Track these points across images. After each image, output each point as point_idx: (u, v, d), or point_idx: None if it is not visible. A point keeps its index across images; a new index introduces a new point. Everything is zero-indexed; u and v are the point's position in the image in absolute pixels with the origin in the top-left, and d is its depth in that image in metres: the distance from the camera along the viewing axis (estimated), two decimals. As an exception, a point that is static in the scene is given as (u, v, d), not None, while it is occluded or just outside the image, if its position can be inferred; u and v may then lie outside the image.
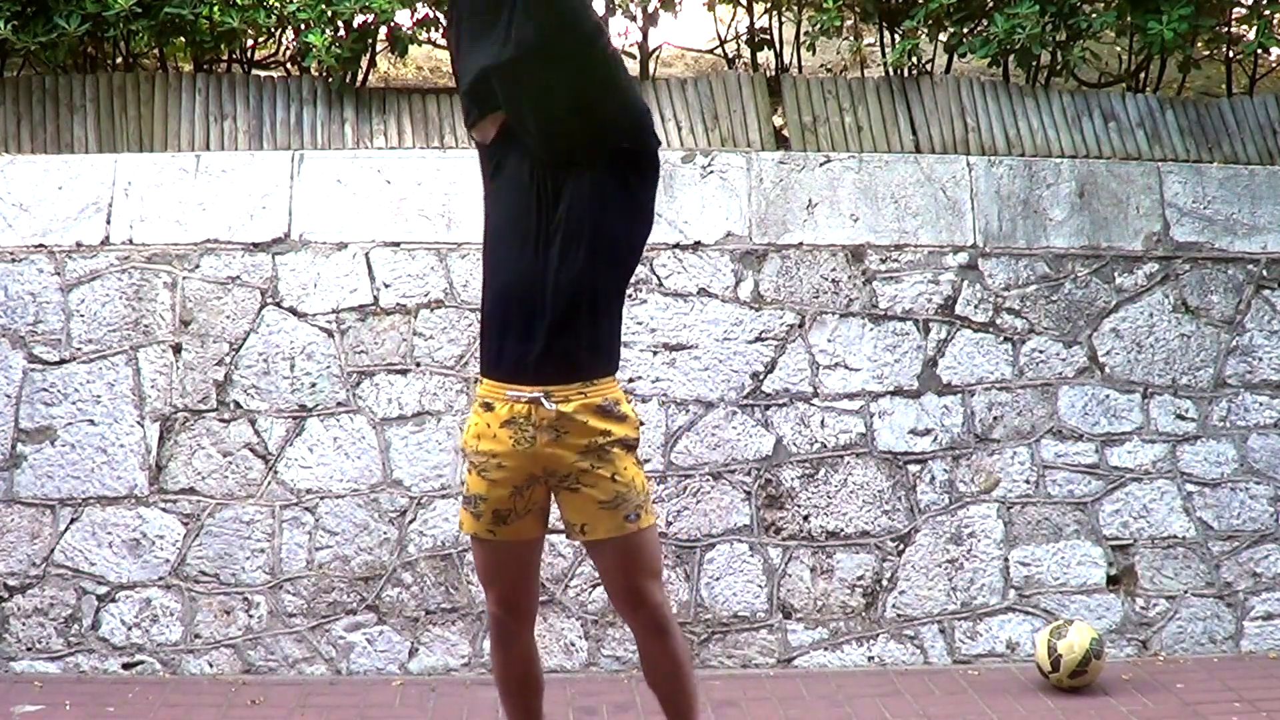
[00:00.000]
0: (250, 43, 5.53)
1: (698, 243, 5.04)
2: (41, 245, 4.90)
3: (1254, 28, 5.52)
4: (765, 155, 5.16)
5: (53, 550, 4.81)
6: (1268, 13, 5.54)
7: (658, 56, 5.65)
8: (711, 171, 5.08)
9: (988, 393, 5.08)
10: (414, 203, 4.99)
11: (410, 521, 4.90)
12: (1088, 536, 5.06)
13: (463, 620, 4.88)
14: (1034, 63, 5.47)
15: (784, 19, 5.71)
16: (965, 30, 5.51)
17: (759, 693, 4.65)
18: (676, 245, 5.02)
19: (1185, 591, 5.06)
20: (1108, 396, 5.12)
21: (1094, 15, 5.40)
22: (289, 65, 5.53)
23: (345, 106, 5.22)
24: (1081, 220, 5.19)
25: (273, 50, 5.68)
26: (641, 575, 3.27)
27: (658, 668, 3.38)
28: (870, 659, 4.97)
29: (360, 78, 5.35)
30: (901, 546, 5.01)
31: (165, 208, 4.94)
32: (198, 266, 4.92)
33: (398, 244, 4.98)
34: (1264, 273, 5.22)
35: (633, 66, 5.53)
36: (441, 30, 5.39)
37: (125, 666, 4.80)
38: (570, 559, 4.87)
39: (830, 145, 5.27)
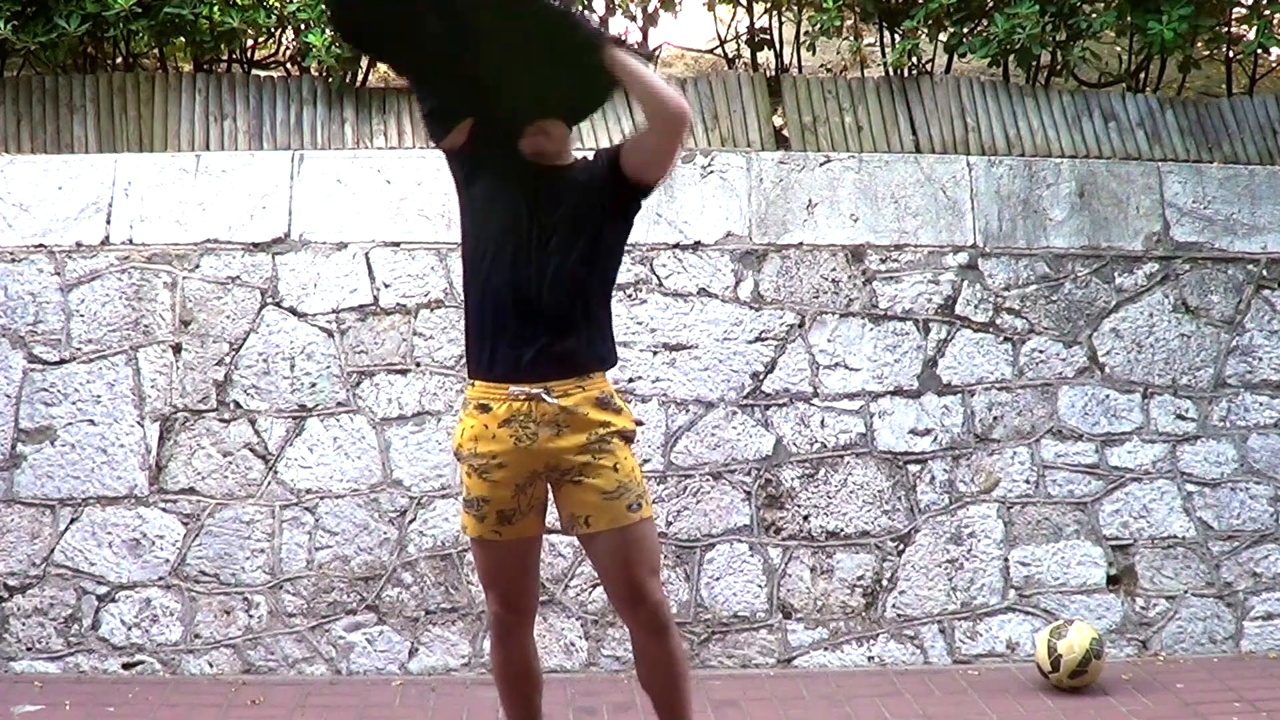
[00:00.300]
0: (250, 43, 5.53)
1: (698, 243, 5.04)
2: (41, 245, 4.90)
3: (1254, 28, 5.52)
4: (765, 155, 5.16)
5: (53, 550, 4.81)
6: (1268, 13, 5.54)
7: (658, 56, 5.65)
8: (711, 171, 5.08)
9: (988, 393, 5.08)
10: (414, 203, 4.99)
11: (410, 521, 4.90)
12: (1088, 536, 5.06)
13: (463, 620, 4.88)
14: (1034, 63, 5.47)
15: (784, 19, 5.71)
16: (965, 30, 5.51)
17: (759, 693, 4.65)
18: (676, 245, 5.03)
19: (1185, 591, 5.06)
20: (1108, 396, 5.12)
21: (1094, 15, 5.40)
22: (289, 65, 5.53)
23: (345, 106, 5.22)
24: (1081, 220, 5.19)
25: (273, 50, 5.68)
26: (642, 570, 3.27)
27: (655, 667, 3.38)
28: (870, 659, 4.97)
29: (360, 78, 5.35)
30: (901, 546, 5.01)
31: (165, 208, 4.94)
32: (198, 266, 4.92)
33: (398, 244, 4.98)
34: (1264, 273, 5.22)
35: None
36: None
37: (125, 666, 4.80)
38: (570, 559, 4.87)
39: (830, 145, 5.27)
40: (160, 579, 4.83)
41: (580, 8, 3.10)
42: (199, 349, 4.89)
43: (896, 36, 5.54)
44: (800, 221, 5.09)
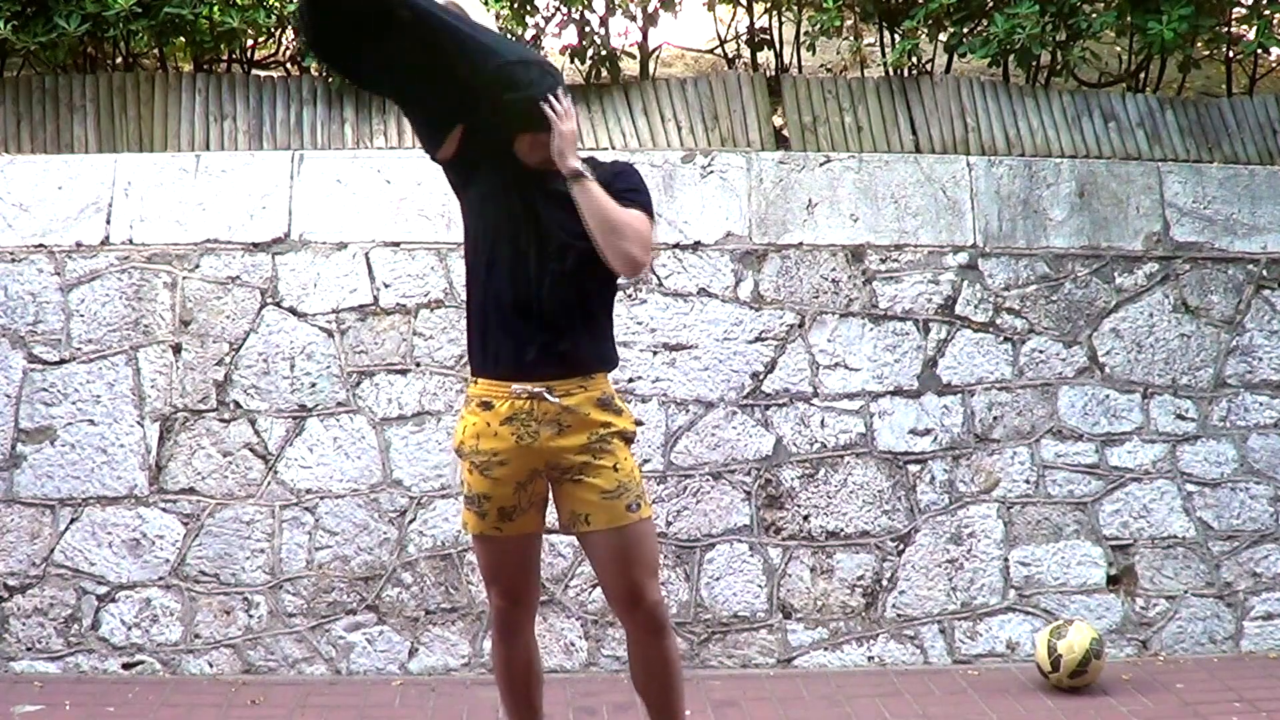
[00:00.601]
0: (250, 43, 5.53)
1: (698, 243, 5.04)
2: (41, 245, 4.90)
3: (1254, 28, 5.52)
4: (765, 155, 5.16)
5: (53, 550, 4.81)
6: (1268, 13, 5.54)
7: (658, 56, 5.65)
8: (711, 171, 5.08)
9: (988, 393, 5.08)
10: (414, 203, 4.99)
11: (410, 521, 4.90)
12: (1088, 536, 5.06)
13: (463, 620, 4.88)
14: (1034, 63, 5.47)
15: (784, 19, 5.71)
16: (965, 30, 5.51)
17: (759, 693, 4.65)
18: (676, 245, 5.03)
19: (1185, 591, 5.06)
20: (1108, 396, 5.12)
21: (1094, 15, 5.40)
22: (289, 65, 5.53)
23: (345, 106, 5.22)
24: (1081, 220, 5.19)
25: (273, 50, 5.69)
26: (641, 571, 3.28)
27: (651, 668, 3.38)
28: (870, 659, 4.97)
29: (360, 78, 5.34)
30: (901, 546, 5.01)
31: (165, 208, 4.94)
32: (198, 266, 4.92)
33: (398, 244, 4.98)
34: (1264, 273, 5.22)
35: (633, 66, 5.54)
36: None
37: (125, 666, 4.80)
38: (570, 559, 4.87)
39: (830, 145, 5.27)
40: (160, 579, 4.83)
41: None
42: (199, 349, 4.89)
43: (896, 36, 5.54)
44: (800, 221, 5.09)
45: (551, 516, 3.41)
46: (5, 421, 4.83)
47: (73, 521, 4.82)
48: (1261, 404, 5.16)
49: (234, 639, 4.83)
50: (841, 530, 4.99)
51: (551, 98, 3.22)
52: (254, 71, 5.50)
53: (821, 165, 5.14)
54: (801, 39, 5.65)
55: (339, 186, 4.99)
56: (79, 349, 4.87)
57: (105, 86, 5.16)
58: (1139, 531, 5.08)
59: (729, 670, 4.90)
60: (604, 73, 5.40)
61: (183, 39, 5.38)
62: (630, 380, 4.91)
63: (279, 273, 4.93)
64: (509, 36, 3.66)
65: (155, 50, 5.46)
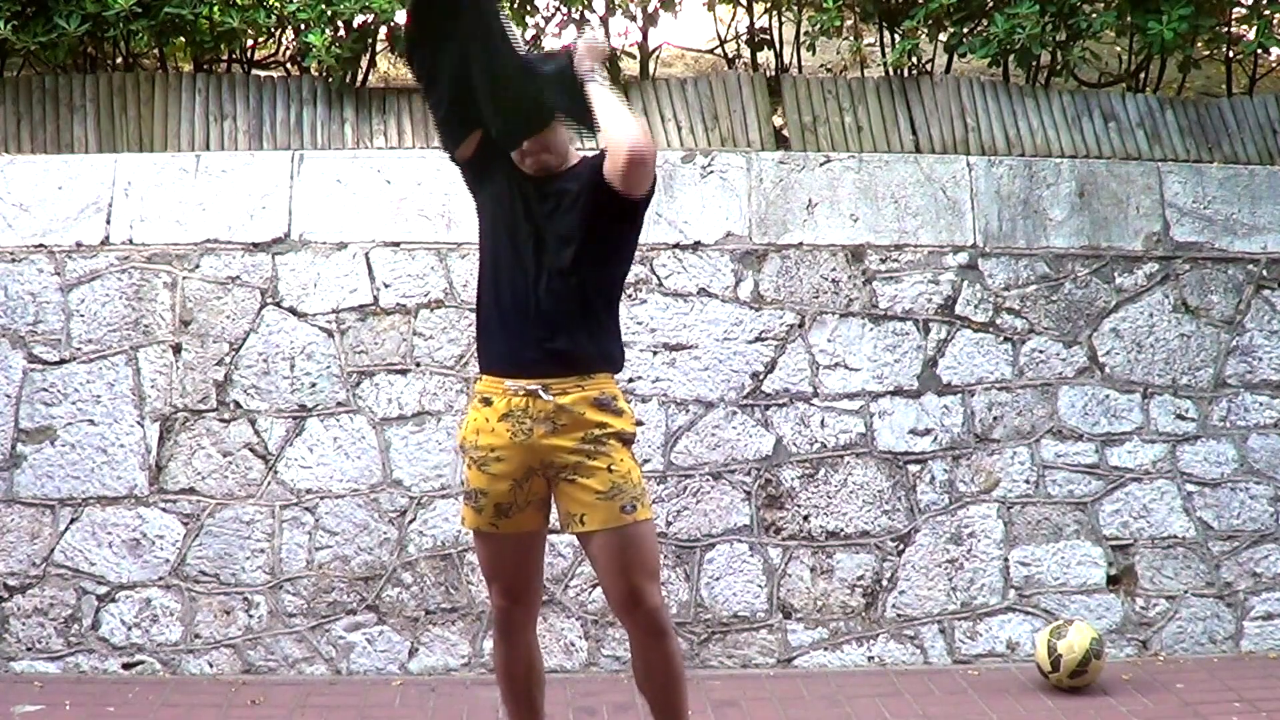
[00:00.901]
0: (250, 43, 5.53)
1: (698, 243, 5.04)
2: (41, 245, 4.90)
3: (1254, 28, 5.52)
4: (765, 155, 5.16)
5: (53, 550, 4.81)
6: (1268, 13, 5.54)
7: (658, 56, 5.65)
8: (711, 171, 5.08)
9: (988, 393, 5.08)
10: (414, 203, 4.99)
11: (410, 521, 4.90)
12: (1088, 536, 5.06)
13: (463, 620, 4.88)
14: (1034, 63, 5.47)
15: (784, 19, 5.70)
16: (965, 30, 5.51)
17: (759, 693, 4.65)
18: (676, 245, 5.02)
19: (1185, 591, 5.06)
20: (1108, 396, 5.12)
21: (1094, 15, 5.40)
22: (289, 65, 5.53)
23: (345, 106, 5.22)
24: (1081, 220, 5.19)
25: (273, 50, 5.68)
26: (639, 574, 3.27)
27: (653, 671, 3.38)
28: (870, 659, 4.97)
29: (360, 78, 5.35)
30: (901, 546, 5.01)
31: (165, 208, 4.94)
32: (198, 266, 4.92)
33: (398, 244, 4.98)
34: (1264, 273, 5.22)
35: (633, 66, 5.54)
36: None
37: (125, 666, 4.80)
38: (570, 559, 4.87)
39: (830, 145, 5.27)
40: (160, 579, 4.83)
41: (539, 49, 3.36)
42: (199, 349, 4.89)
43: (896, 36, 5.54)
44: (800, 221, 5.09)
45: (554, 517, 3.41)
46: (5, 421, 4.83)
47: (73, 521, 4.82)
48: (1261, 404, 5.16)
49: (234, 639, 4.83)
50: (841, 530, 4.99)
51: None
52: (254, 71, 5.50)
53: (821, 165, 5.14)
54: (801, 39, 5.65)
55: (339, 186, 4.99)
56: (79, 349, 4.87)
57: (105, 86, 5.16)
58: (1139, 531, 5.08)
59: (729, 670, 4.90)
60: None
61: (183, 39, 5.38)
62: (630, 380, 4.91)
63: (279, 273, 4.93)
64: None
65: (155, 50, 5.46)
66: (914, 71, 5.50)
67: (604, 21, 5.47)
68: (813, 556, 4.98)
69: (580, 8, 5.31)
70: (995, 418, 5.08)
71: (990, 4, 5.48)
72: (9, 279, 4.87)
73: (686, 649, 4.86)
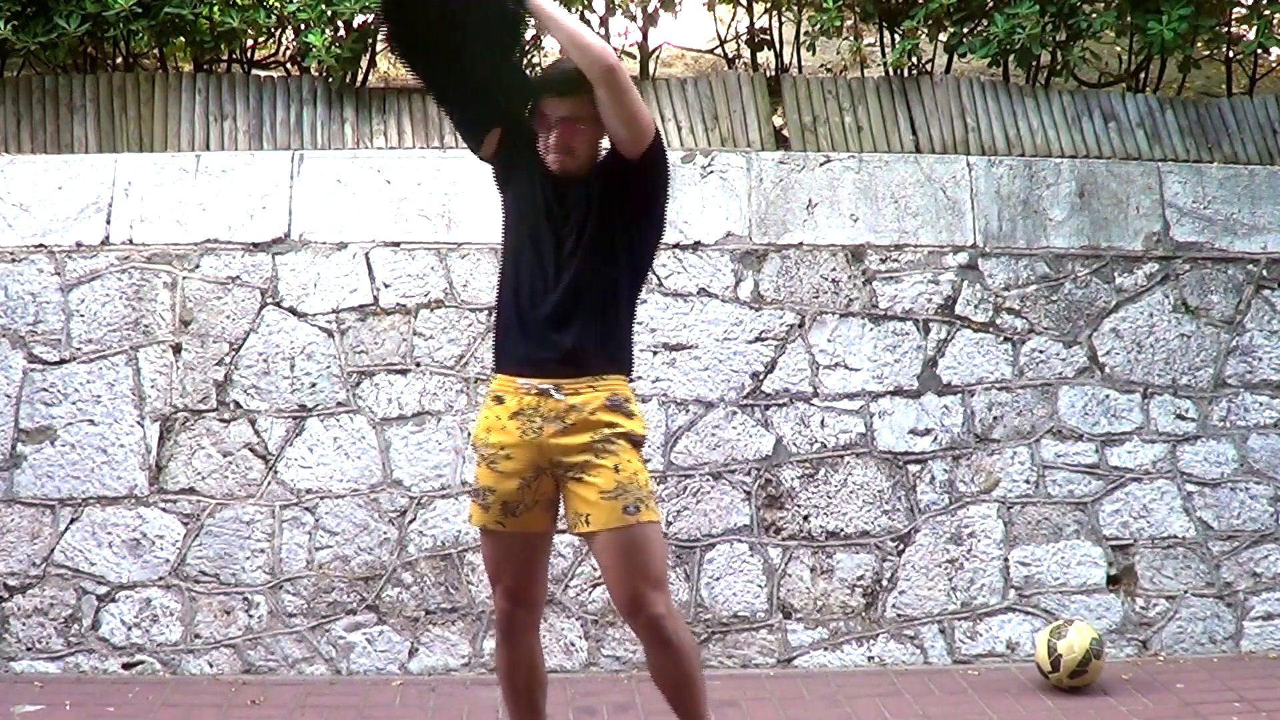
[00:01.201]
0: (250, 43, 5.53)
1: (698, 243, 5.04)
2: (41, 245, 4.90)
3: (1254, 28, 5.52)
4: (765, 155, 5.16)
5: (53, 550, 4.81)
6: (1268, 13, 5.54)
7: (658, 56, 5.65)
8: (711, 171, 5.08)
9: (988, 393, 5.08)
10: (414, 203, 4.99)
11: (410, 521, 4.90)
12: (1088, 536, 5.06)
13: (463, 620, 4.88)
14: (1034, 63, 5.47)
15: (784, 19, 5.70)
16: (965, 30, 5.51)
17: (759, 693, 4.65)
18: (676, 245, 5.02)
19: (1185, 591, 5.06)
20: (1108, 396, 5.12)
21: (1094, 15, 5.40)
22: (289, 65, 5.53)
23: (345, 106, 5.22)
24: (1081, 220, 5.19)
25: (273, 50, 5.68)
26: (641, 580, 3.26)
27: (662, 675, 3.39)
28: (870, 659, 4.97)
29: (360, 78, 5.35)
30: (901, 546, 5.01)
31: (165, 208, 4.94)
32: (198, 266, 4.92)
33: (398, 244, 4.98)
34: (1264, 273, 5.22)
35: (633, 66, 5.54)
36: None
37: (125, 666, 4.80)
38: (570, 559, 4.87)
39: (830, 145, 5.27)
40: (160, 579, 4.83)
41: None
42: (199, 349, 4.89)
43: (896, 36, 5.54)
44: (800, 221, 5.09)
45: (563, 520, 3.42)
46: (5, 421, 4.82)
47: (73, 521, 4.82)
48: (1261, 404, 5.16)
49: (234, 639, 4.83)
50: (841, 530, 4.99)
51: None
52: (254, 71, 5.50)
53: (821, 165, 5.14)
54: (801, 39, 5.65)
55: (339, 186, 4.99)
56: (79, 349, 4.87)
57: (105, 86, 5.16)
58: (1139, 531, 5.08)
59: (729, 670, 4.90)
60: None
61: (183, 39, 5.38)
62: (630, 380, 4.90)
63: (279, 273, 4.93)
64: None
65: (155, 50, 5.46)
66: (914, 71, 5.50)
67: (604, 21, 5.47)
68: (813, 556, 4.98)
69: (580, 8, 5.31)
70: (995, 418, 5.08)
71: (990, 4, 5.48)
72: (9, 279, 4.87)
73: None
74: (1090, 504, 5.07)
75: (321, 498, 4.88)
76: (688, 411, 4.97)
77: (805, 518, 4.99)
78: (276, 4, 5.22)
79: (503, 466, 3.31)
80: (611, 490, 3.24)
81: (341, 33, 5.17)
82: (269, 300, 4.93)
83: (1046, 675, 4.62)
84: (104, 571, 4.82)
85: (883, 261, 5.10)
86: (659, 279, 5.00)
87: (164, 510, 4.85)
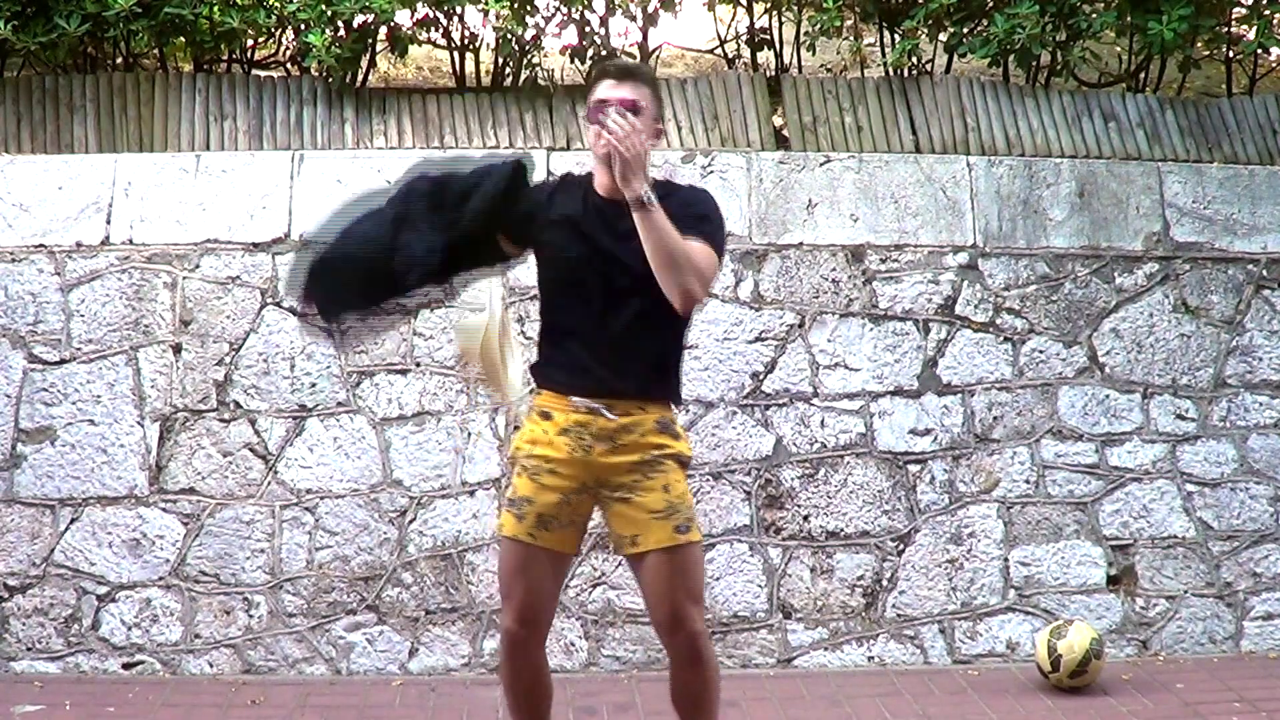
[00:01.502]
0: (250, 43, 5.53)
1: (698, 243, 5.04)
2: (41, 245, 4.90)
3: (1254, 28, 5.52)
4: (765, 155, 5.16)
5: (53, 550, 4.81)
6: (1268, 13, 5.54)
7: (658, 56, 5.65)
8: (711, 171, 5.08)
9: (988, 393, 5.08)
10: (414, 203, 4.98)
11: (410, 521, 4.90)
12: (1088, 536, 5.06)
13: (463, 620, 4.88)
14: (1034, 63, 5.47)
15: (784, 19, 5.70)
16: (965, 30, 5.51)
17: (759, 693, 4.65)
18: (676, 245, 5.02)
19: (1185, 591, 5.06)
20: (1108, 396, 5.12)
21: (1094, 15, 5.40)
22: (289, 65, 5.53)
23: (345, 106, 5.22)
24: (1081, 220, 5.19)
25: (273, 50, 5.68)
26: (684, 597, 3.28)
27: (686, 694, 3.39)
28: (870, 659, 4.97)
29: (360, 78, 5.35)
30: (901, 546, 5.01)
31: (165, 208, 4.94)
32: (198, 266, 4.92)
33: (398, 244, 4.97)
34: (1264, 273, 5.22)
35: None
36: (442, 31, 5.40)
37: (125, 666, 4.80)
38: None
39: (830, 145, 5.27)
40: (160, 579, 4.83)
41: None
42: (199, 349, 4.89)
43: (896, 36, 5.54)
44: (800, 221, 5.09)
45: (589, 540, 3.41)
46: (5, 421, 4.83)
47: (73, 521, 4.82)
48: (1261, 404, 5.16)
49: (234, 639, 4.83)
50: (841, 530, 4.99)
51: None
52: (254, 71, 5.50)
53: (821, 165, 5.14)
54: (801, 39, 5.64)
55: (339, 186, 4.99)
56: (79, 349, 4.87)
57: (105, 86, 5.16)
58: (1139, 531, 5.08)
59: (729, 670, 4.89)
60: (604, 73, 5.39)
61: (183, 39, 5.38)
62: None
63: (279, 273, 4.93)
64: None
65: (155, 50, 5.46)
66: (914, 71, 5.50)
67: (604, 22, 5.47)
68: (813, 556, 4.98)
69: (580, 8, 5.31)
70: (995, 418, 5.08)
71: (990, 4, 5.48)
72: (9, 279, 4.87)
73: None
74: (1090, 504, 5.07)
75: (321, 498, 4.88)
76: (688, 411, 4.97)
77: (805, 518, 4.99)
78: (276, 4, 5.21)
79: (546, 480, 3.29)
80: (662, 510, 3.25)
81: (341, 33, 5.17)
82: (269, 300, 4.93)
83: (1046, 675, 4.62)
84: (104, 571, 4.82)
85: (883, 261, 5.10)
86: (659, 279, 5.00)
87: (164, 510, 4.85)
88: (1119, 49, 5.84)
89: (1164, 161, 5.30)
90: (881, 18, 5.65)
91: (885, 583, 5.00)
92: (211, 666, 4.81)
